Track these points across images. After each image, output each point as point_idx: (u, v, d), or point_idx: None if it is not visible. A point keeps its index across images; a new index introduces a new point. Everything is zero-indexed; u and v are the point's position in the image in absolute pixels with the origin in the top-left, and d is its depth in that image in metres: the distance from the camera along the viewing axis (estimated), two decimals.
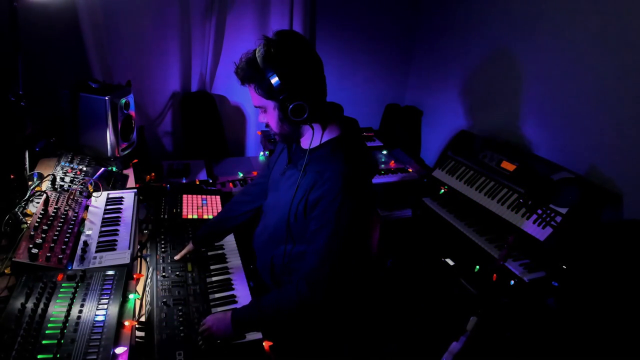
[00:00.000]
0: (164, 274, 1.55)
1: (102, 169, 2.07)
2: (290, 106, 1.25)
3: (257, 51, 1.26)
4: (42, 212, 1.60)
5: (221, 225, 1.75)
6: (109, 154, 2.18)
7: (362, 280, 1.73)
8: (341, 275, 1.33)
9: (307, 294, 1.28)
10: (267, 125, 1.39)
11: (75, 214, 1.68)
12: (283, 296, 1.33)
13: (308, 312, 1.34)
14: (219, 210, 2.04)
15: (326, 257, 1.29)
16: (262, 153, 3.09)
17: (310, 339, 1.59)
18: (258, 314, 1.32)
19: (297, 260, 1.47)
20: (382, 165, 3.07)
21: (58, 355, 1.08)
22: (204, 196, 2.15)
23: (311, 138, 1.37)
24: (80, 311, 1.23)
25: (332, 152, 1.35)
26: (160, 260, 1.63)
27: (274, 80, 1.22)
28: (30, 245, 1.41)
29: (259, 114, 1.39)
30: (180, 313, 1.39)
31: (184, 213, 1.99)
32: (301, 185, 1.37)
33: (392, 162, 3.10)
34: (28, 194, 1.75)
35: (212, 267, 1.69)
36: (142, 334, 1.39)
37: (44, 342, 1.11)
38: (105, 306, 1.26)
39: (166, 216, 1.95)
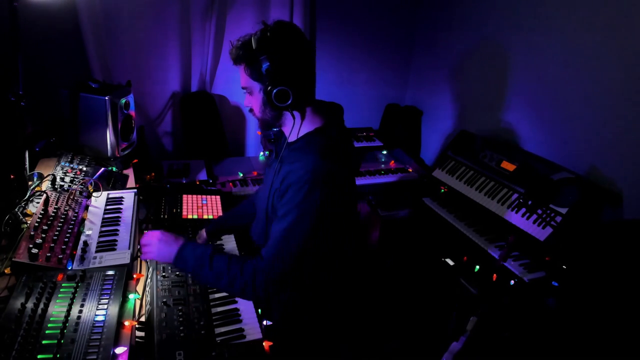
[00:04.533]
0: (164, 274, 1.55)
1: (102, 169, 2.07)
2: (275, 90, 1.27)
3: (254, 34, 1.30)
4: (42, 212, 1.60)
5: (231, 220, 1.82)
6: (109, 154, 2.18)
7: (358, 281, 1.73)
8: (301, 274, 1.34)
9: (255, 283, 1.28)
10: (250, 110, 1.42)
11: (75, 214, 1.67)
12: (234, 270, 1.31)
13: (247, 298, 1.42)
14: (219, 211, 2.06)
15: (280, 251, 1.29)
16: (262, 153, 3.09)
17: (310, 339, 1.59)
18: (203, 266, 1.33)
19: None
20: (382, 165, 3.08)
21: (58, 355, 1.08)
22: (204, 196, 2.15)
23: (291, 128, 1.39)
24: (80, 311, 1.23)
25: (307, 144, 1.37)
26: None
27: (264, 62, 1.26)
28: (30, 245, 1.40)
29: (245, 96, 1.41)
30: (180, 313, 1.38)
31: (184, 213, 1.99)
32: (276, 177, 1.39)
33: (392, 162, 3.10)
34: (28, 194, 1.75)
35: None
36: (142, 334, 1.39)
37: (44, 342, 1.11)
38: (105, 306, 1.26)
39: (166, 216, 1.95)
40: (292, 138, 1.41)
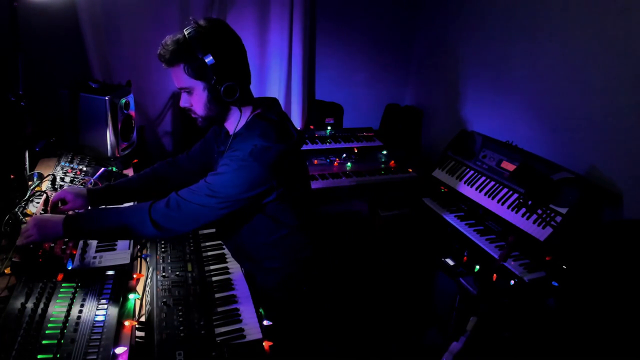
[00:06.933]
0: (164, 274, 1.55)
1: (102, 169, 2.07)
2: (223, 87, 1.28)
3: (186, 33, 1.27)
4: (42, 212, 1.59)
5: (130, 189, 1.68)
6: (109, 154, 2.18)
7: (354, 279, 1.73)
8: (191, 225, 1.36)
9: (156, 218, 1.30)
10: (188, 110, 1.40)
11: None
12: (137, 205, 1.35)
13: (146, 234, 1.36)
14: None
15: (193, 201, 1.30)
16: None
17: (310, 339, 1.59)
18: (99, 213, 1.34)
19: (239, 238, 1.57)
20: (382, 165, 3.07)
21: (58, 355, 1.08)
22: None
23: (237, 121, 1.40)
24: (80, 311, 1.23)
25: (247, 129, 1.38)
26: (160, 260, 1.62)
27: (208, 59, 1.25)
28: (31, 245, 1.40)
29: (182, 97, 1.38)
30: (180, 313, 1.38)
31: None
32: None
33: (392, 162, 3.10)
34: (28, 194, 1.75)
35: (212, 267, 1.69)
36: (142, 334, 1.39)
37: (44, 342, 1.11)
38: (105, 306, 1.26)
39: None
40: (236, 130, 1.41)
